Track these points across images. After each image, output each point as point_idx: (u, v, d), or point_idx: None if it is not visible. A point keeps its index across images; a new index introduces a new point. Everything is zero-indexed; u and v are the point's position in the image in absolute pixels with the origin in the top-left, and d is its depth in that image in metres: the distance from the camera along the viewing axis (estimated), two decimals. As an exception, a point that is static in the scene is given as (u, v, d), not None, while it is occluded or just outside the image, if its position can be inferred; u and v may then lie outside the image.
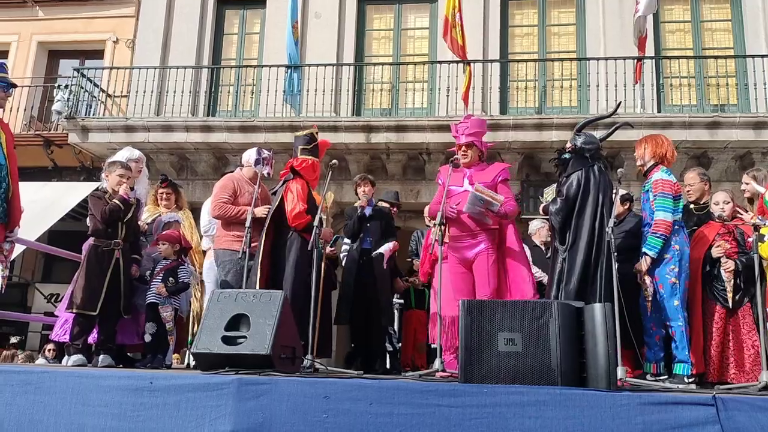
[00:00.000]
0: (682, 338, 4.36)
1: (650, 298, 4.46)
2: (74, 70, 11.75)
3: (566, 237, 4.50)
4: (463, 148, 4.70)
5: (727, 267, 4.61)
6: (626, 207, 5.36)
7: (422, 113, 11.30)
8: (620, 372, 3.68)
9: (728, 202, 4.80)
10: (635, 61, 10.30)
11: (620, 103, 5.71)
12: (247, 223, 4.74)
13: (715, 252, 4.67)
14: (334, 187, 10.94)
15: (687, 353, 4.36)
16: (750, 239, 4.30)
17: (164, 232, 5.30)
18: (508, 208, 4.47)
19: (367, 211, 5.99)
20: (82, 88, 11.54)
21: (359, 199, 6.18)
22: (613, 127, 4.99)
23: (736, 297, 4.64)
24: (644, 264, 4.43)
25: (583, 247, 4.38)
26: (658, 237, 4.40)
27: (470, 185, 4.50)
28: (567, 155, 4.69)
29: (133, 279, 5.10)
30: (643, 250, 4.45)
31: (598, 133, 4.98)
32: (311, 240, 4.55)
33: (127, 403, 3.18)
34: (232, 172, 5.77)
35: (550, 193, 4.84)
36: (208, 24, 12.39)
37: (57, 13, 13.15)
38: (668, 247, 4.42)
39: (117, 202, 4.92)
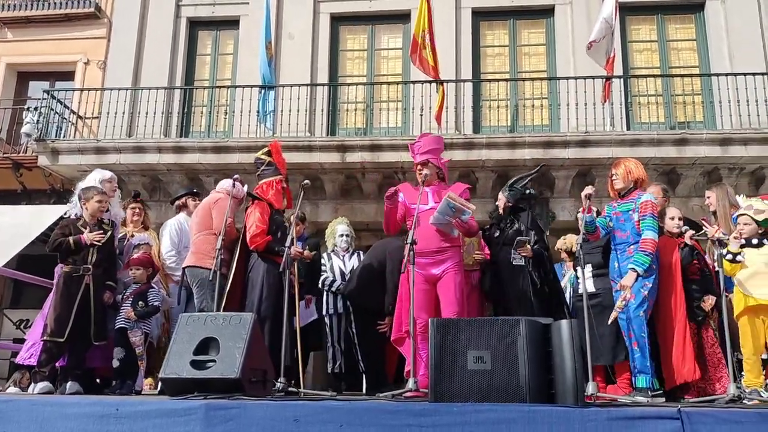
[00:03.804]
0: (644, 348, 4.44)
1: (620, 311, 4.52)
2: (44, 92, 11.62)
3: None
4: (419, 166, 4.74)
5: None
6: None
7: (396, 132, 11.37)
8: (591, 387, 3.71)
9: (681, 218, 4.98)
10: (604, 80, 10.49)
11: (543, 166, 6.62)
12: (218, 245, 4.71)
13: (687, 238, 4.80)
14: (309, 207, 10.94)
15: (648, 364, 4.44)
16: (716, 255, 4.37)
17: (135, 257, 5.23)
18: (474, 226, 4.54)
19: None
20: (52, 110, 11.40)
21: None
22: (535, 170, 5.82)
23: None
24: (630, 279, 4.50)
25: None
26: (646, 255, 4.52)
27: (434, 202, 4.55)
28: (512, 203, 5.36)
29: (106, 305, 5.01)
30: (631, 266, 4.54)
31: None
32: (282, 261, 4.56)
33: (93, 430, 3.12)
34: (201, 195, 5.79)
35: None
36: (181, 45, 12.37)
37: (26, 34, 13.02)
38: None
39: (71, 241, 4.84)
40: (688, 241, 4.79)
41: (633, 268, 4.51)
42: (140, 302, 5.02)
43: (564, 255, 6.28)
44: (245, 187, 5.52)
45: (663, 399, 4.45)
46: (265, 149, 5.51)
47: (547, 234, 10.33)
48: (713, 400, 4.12)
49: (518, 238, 5.20)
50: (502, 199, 5.50)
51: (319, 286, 6.38)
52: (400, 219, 4.78)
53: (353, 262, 6.26)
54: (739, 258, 4.32)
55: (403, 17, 12.17)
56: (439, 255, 4.50)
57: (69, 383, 4.76)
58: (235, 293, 5.04)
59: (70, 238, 4.88)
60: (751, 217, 4.47)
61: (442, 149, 4.94)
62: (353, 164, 10.85)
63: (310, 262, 6.13)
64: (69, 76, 12.98)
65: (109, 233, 5.09)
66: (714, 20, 11.47)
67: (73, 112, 11.75)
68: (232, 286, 5.01)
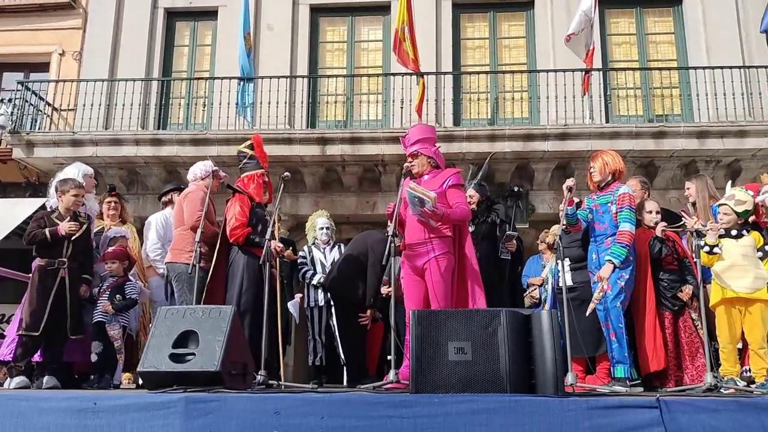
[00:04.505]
0: (622, 338, 4.48)
1: (597, 303, 4.55)
2: (18, 83, 11.40)
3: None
4: (410, 158, 4.72)
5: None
6: None
7: (377, 125, 11.32)
8: (570, 378, 3.74)
9: (659, 212, 5.00)
10: (583, 73, 10.55)
11: (492, 155, 7.35)
12: (197, 238, 4.67)
13: (658, 231, 4.82)
14: (289, 199, 10.89)
15: (625, 354, 4.48)
16: (694, 246, 4.41)
17: (110, 250, 5.17)
18: (457, 212, 4.46)
19: None
20: (27, 101, 11.19)
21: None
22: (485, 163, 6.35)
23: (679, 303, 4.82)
24: (607, 271, 4.53)
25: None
26: (623, 246, 4.55)
27: None
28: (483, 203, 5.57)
29: (83, 299, 4.94)
30: (607, 257, 4.57)
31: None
32: (263, 254, 4.54)
33: (70, 425, 3.07)
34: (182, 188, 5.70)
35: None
36: (158, 36, 12.20)
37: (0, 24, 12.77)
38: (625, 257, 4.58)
39: (48, 233, 4.77)
40: (659, 234, 4.82)
41: (610, 260, 4.54)
42: (117, 295, 4.96)
43: (543, 247, 6.33)
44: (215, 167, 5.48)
45: (641, 388, 4.50)
46: (248, 143, 5.48)
47: (527, 226, 10.44)
48: (691, 389, 4.17)
49: (507, 233, 5.23)
50: (474, 195, 5.51)
51: (300, 278, 6.37)
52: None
53: (334, 255, 6.26)
54: (716, 250, 4.37)
55: (383, 9, 12.12)
56: (422, 246, 4.46)
57: (46, 378, 4.69)
58: (217, 287, 5.01)
59: (46, 230, 4.80)
60: (731, 208, 4.51)
61: (434, 138, 4.87)
62: (333, 157, 10.81)
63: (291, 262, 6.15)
64: (44, 67, 12.72)
65: (85, 226, 5.02)
66: (692, 14, 11.58)
67: (49, 104, 11.54)
68: (215, 281, 4.98)
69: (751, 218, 4.65)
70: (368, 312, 5.89)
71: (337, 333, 6.03)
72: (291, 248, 6.30)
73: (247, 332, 4.59)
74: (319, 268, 6.22)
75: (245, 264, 4.95)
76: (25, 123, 11.13)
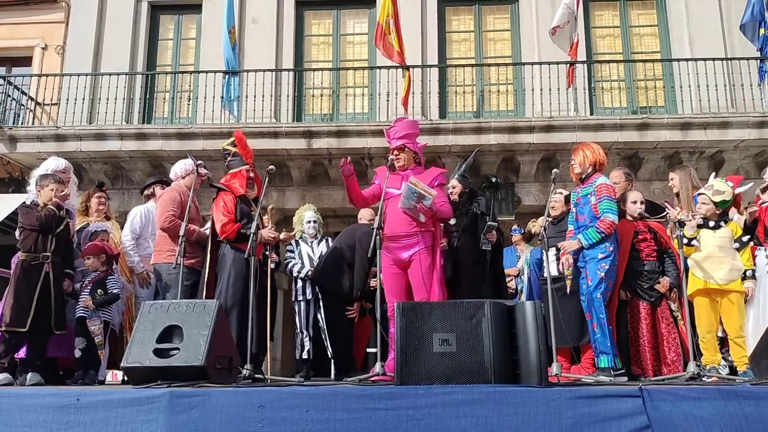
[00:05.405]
0: (604, 328, 4.51)
1: (570, 276, 4.59)
2: (0, 77, 11.28)
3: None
4: (395, 151, 4.72)
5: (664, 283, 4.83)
6: (568, 208, 5.50)
7: (363, 118, 11.31)
8: (555, 368, 3.77)
9: (643, 202, 5.05)
10: (568, 65, 10.59)
11: (478, 151, 7.10)
12: (181, 232, 4.64)
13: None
14: (276, 193, 10.86)
15: (608, 344, 4.52)
16: (675, 236, 4.45)
17: (87, 245, 5.14)
18: (444, 210, 4.51)
19: None
20: (9, 96, 11.09)
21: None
22: (471, 155, 6.12)
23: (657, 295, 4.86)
24: (571, 245, 4.61)
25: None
26: (599, 232, 4.57)
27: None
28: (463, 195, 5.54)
29: (66, 294, 4.91)
30: (579, 236, 4.61)
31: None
32: (248, 247, 4.51)
33: (53, 421, 3.05)
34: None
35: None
36: (142, 29, 12.09)
37: (-20, 18, 12.60)
38: (604, 246, 4.59)
39: (52, 207, 4.77)
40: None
41: (579, 239, 4.60)
42: (99, 290, 4.92)
43: (516, 238, 6.32)
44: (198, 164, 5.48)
45: (625, 378, 4.53)
46: (231, 140, 5.46)
47: (513, 218, 10.48)
48: (674, 378, 4.21)
49: (488, 223, 5.25)
50: (457, 186, 5.53)
51: (287, 272, 6.35)
52: (367, 194, 4.77)
53: (322, 248, 6.25)
54: (693, 242, 4.42)
55: (368, 2, 12.09)
56: (407, 239, 4.48)
57: (29, 374, 4.65)
58: (210, 289, 5.00)
59: (49, 206, 4.80)
60: (709, 198, 4.56)
61: (417, 133, 4.91)
62: (320, 150, 10.79)
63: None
64: (26, 61, 12.60)
65: (65, 221, 4.98)
66: (675, 6, 11.64)
67: (31, 99, 11.42)
68: (209, 283, 4.98)
69: (731, 210, 4.70)
70: (355, 305, 5.89)
71: (324, 326, 6.03)
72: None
73: (234, 326, 4.58)
74: (306, 262, 6.21)
75: (233, 259, 4.93)
76: (8, 118, 11.03)
